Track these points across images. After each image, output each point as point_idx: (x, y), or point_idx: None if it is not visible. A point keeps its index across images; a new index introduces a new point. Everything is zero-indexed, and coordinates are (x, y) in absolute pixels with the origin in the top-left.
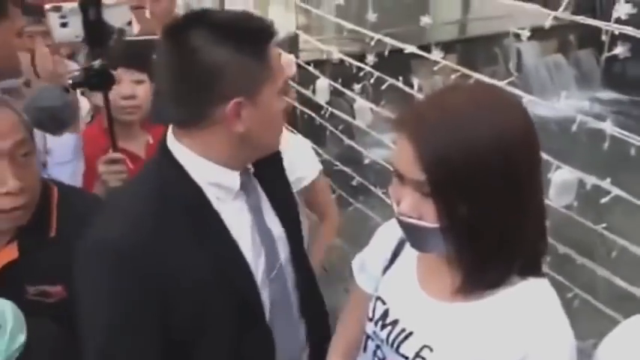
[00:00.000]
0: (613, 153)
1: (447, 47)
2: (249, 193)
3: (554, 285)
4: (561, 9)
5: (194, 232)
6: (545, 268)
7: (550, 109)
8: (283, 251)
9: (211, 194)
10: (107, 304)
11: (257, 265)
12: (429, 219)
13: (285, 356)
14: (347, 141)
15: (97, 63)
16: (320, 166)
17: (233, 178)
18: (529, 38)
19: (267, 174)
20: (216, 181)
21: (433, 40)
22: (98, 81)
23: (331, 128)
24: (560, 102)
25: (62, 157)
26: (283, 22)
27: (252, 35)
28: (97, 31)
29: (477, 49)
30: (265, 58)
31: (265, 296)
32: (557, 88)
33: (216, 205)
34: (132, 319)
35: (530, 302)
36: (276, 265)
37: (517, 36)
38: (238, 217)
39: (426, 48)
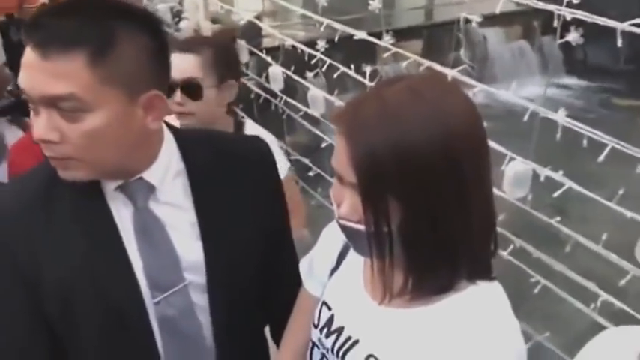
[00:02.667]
0: (568, 142)
1: (412, 33)
2: (137, 208)
3: (516, 272)
4: None
5: (77, 219)
6: (506, 256)
7: (508, 97)
8: (195, 279)
9: (105, 185)
10: None
11: (145, 282)
12: None
13: None
14: (309, 127)
15: None
16: (287, 164)
17: (109, 183)
18: (494, 25)
19: (212, 194)
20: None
21: (401, 25)
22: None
23: (294, 115)
24: (512, 90)
25: None
26: (249, 7)
27: None
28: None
29: (442, 34)
30: None
31: (152, 316)
32: (522, 74)
33: (110, 201)
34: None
35: (479, 309)
36: (170, 290)
37: (468, 21)
38: (127, 228)
39: (379, 35)
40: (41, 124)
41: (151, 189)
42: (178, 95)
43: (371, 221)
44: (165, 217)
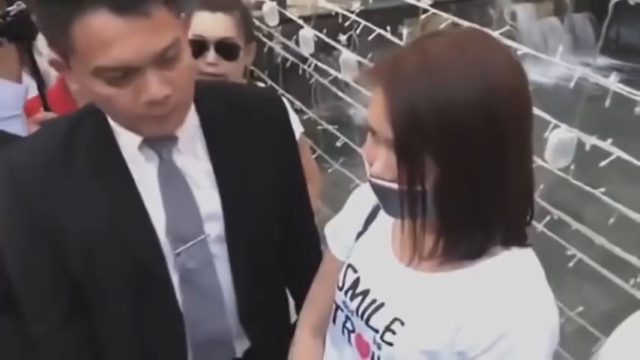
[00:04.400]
0: (613, 115)
1: (441, 8)
2: (162, 159)
3: (550, 246)
4: None
5: (97, 175)
6: (541, 228)
7: (546, 69)
8: (214, 230)
9: (123, 143)
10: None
11: (166, 234)
12: None
13: (206, 344)
14: (339, 94)
15: (13, 8)
16: (301, 129)
17: (131, 141)
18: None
19: (225, 143)
20: (122, 131)
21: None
22: (17, 30)
23: (322, 81)
24: (557, 58)
25: (10, 110)
26: None
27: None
28: None
29: (472, 10)
30: (67, 27)
31: (172, 269)
32: (552, 52)
33: (129, 159)
34: (24, 244)
35: (512, 276)
36: (190, 242)
37: None
38: (149, 179)
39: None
40: (156, 84)
41: (174, 140)
42: (211, 55)
43: (405, 179)
44: (185, 167)
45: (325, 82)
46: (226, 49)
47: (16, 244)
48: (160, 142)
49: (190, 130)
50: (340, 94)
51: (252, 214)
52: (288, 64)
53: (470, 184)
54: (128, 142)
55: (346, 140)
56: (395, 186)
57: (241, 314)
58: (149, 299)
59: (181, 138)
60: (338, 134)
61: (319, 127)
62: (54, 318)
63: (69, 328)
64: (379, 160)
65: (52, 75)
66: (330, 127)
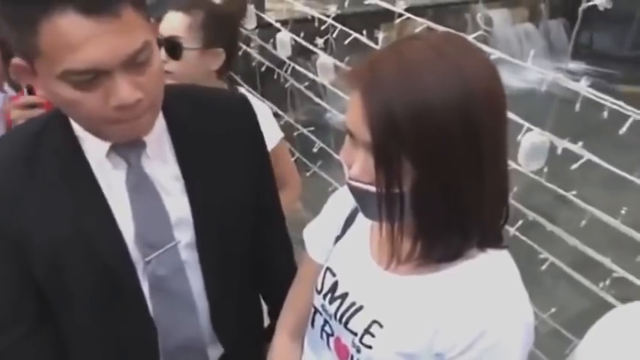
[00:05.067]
0: (584, 119)
1: (417, 13)
2: (131, 165)
3: (522, 249)
4: None
5: (62, 181)
6: (513, 232)
7: (519, 74)
8: (184, 237)
9: (88, 150)
10: None
11: (135, 240)
12: None
13: (178, 352)
14: (315, 99)
15: None
16: (281, 134)
17: (100, 142)
18: (500, 6)
19: (193, 147)
20: (87, 138)
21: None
22: None
23: (298, 85)
24: (528, 63)
25: None
26: None
27: None
28: None
29: (447, 15)
30: (33, 28)
31: (142, 277)
32: (527, 57)
33: (95, 166)
34: None
35: (489, 277)
36: (160, 249)
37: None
38: (117, 186)
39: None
40: (126, 88)
41: (142, 145)
42: (162, 53)
43: (382, 182)
44: (153, 173)
45: (301, 86)
46: (170, 48)
47: None
48: (127, 148)
49: (158, 135)
50: (316, 99)
51: (222, 218)
52: (263, 68)
53: (446, 187)
54: (94, 148)
55: (322, 145)
56: (373, 189)
57: (214, 320)
58: (119, 307)
59: (149, 143)
60: (314, 138)
61: (295, 133)
62: (19, 330)
63: (34, 340)
64: (357, 163)
65: None
66: (305, 131)
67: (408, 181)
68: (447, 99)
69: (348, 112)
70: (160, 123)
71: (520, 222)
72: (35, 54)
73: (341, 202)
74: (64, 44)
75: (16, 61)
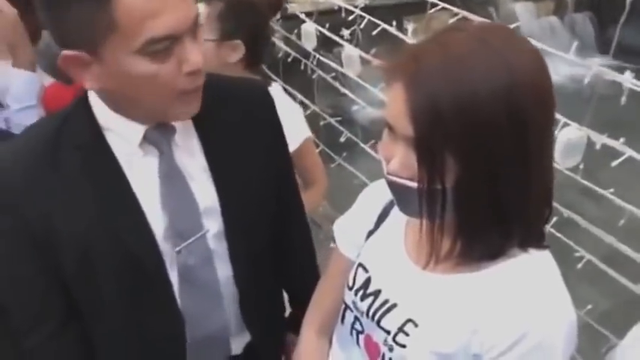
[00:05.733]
0: (626, 113)
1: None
2: (163, 153)
3: (558, 246)
4: None
5: (87, 175)
6: (549, 229)
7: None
8: (212, 226)
9: (114, 142)
10: None
11: (164, 231)
12: None
13: (204, 343)
14: (342, 90)
15: None
16: (308, 132)
17: (133, 131)
18: None
19: (217, 137)
20: (117, 129)
21: None
22: None
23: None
24: (570, 55)
25: (26, 100)
26: None
27: None
28: None
29: (473, 7)
30: (107, 6)
31: (170, 267)
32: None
33: (122, 157)
34: (12, 253)
35: (531, 277)
36: (191, 238)
37: None
38: (146, 176)
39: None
40: (196, 53)
41: (172, 131)
42: None
43: (424, 178)
44: (182, 162)
45: (327, 77)
46: None
47: (3, 254)
48: (159, 135)
49: (184, 122)
50: (343, 89)
51: (248, 207)
52: (290, 59)
53: (490, 183)
54: (123, 138)
55: (349, 134)
56: (413, 184)
57: (243, 309)
58: (147, 301)
59: (178, 130)
60: (341, 128)
61: (322, 122)
62: (47, 328)
63: (63, 337)
64: (397, 158)
65: None
66: (333, 121)
67: (450, 177)
68: (493, 90)
69: (387, 105)
70: None
71: (555, 219)
72: (107, 33)
73: (374, 196)
74: (145, 12)
75: (67, 52)
